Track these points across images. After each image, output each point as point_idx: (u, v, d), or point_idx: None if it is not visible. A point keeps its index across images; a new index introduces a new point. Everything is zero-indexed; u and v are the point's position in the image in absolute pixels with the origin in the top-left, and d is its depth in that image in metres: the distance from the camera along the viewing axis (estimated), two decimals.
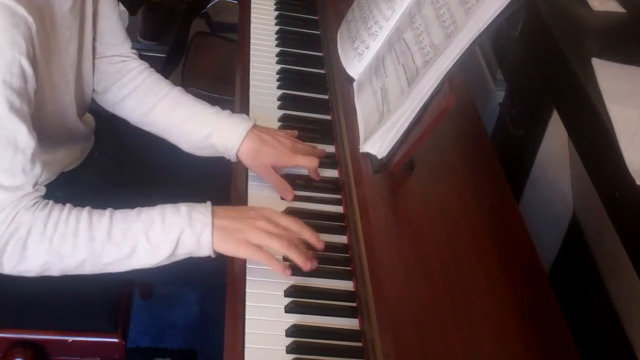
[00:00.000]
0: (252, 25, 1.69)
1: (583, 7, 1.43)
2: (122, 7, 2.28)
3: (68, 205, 1.11)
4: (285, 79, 1.54)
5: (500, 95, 1.82)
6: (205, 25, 2.71)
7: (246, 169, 1.32)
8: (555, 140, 1.52)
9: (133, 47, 1.44)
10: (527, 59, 1.58)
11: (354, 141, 1.30)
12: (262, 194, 1.29)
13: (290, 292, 1.11)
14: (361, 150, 1.27)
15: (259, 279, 1.13)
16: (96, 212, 1.11)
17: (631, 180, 1.04)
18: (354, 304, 1.11)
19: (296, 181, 1.30)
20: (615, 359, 1.22)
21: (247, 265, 1.14)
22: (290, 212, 1.24)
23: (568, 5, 1.44)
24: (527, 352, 1.03)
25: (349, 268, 1.16)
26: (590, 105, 1.17)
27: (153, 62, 1.48)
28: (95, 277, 1.17)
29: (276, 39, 1.66)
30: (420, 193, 1.25)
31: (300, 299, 1.11)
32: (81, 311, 1.37)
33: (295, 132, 1.38)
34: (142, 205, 1.14)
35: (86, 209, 1.12)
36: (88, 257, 1.09)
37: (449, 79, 1.14)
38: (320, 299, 1.11)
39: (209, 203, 1.14)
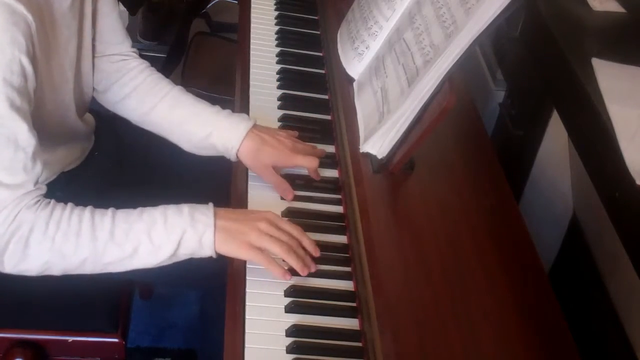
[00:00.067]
0: (252, 25, 1.69)
1: (583, 7, 1.43)
2: (122, 7, 2.28)
3: (70, 204, 1.12)
4: (285, 79, 1.54)
5: (500, 95, 1.82)
6: (205, 25, 2.71)
7: (246, 169, 1.32)
8: (555, 140, 1.52)
9: (133, 47, 1.45)
10: (527, 59, 1.58)
11: (354, 141, 1.30)
12: (262, 194, 1.29)
13: (290, 292, 1.12)
14: (361, 150, 1.27)
15: (259, 279, 1.13)
16: (98, 212, 1.12)
17: (631, 180, 1.04)
18: (354, 304, 1.11)
19: (296, 181, 1.30)
20: (615, 359, 1.22)
21: (247, 265, 1.14)
22: (290, 212, 1.24)
23: (568, 5, 1.44)
24: (527, 352, 1.03)
25: (349, 268, 1.16)
26: (590, 105, 1.17)
27: (153, 62, 1.48)
28: (96, 277, 1.17)
29: (276, 39, 1.66)
30: (420, 193, 1.25)
31: (300, 299, 1.11)
32: (81, 311, 1.37)
33: (296, 133, 1.38)
34: (143, 205, 1.14)
35: (88, 208, 1.12)
36: (90, 256, 1.09)
37: (449, 79, 1.14)
38: (320, 299, 1.11)
39: (211, 204, 1.15)
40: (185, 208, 1.13)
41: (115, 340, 1.37)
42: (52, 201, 1.11)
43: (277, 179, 1.28)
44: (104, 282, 1.34)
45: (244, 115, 1.36)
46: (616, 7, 1.43)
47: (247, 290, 1.11)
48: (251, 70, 1.55)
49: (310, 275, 1.13)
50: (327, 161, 1.35)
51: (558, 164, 1.51)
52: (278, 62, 1.59)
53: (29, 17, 1.04)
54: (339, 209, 1.27)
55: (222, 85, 2.16)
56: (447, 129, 1.30)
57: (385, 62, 1.35)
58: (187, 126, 1.35)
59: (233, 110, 1.39)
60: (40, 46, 1.10)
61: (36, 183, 1.10)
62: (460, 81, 1.42)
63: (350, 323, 1.09)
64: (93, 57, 1.36)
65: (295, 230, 1.15)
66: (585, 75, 1.22)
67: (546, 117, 1.54)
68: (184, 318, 2.01)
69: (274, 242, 1.12)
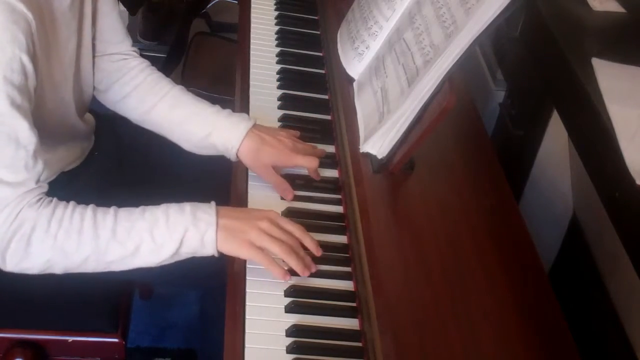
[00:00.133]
0: (252, 25, 1.69)
1: (583, 7, 1.43)
2: (122, 7, 2.28)
3: (72, 203, 1.12)
4: (285, 79, 1.54)
5: (500, 95, 1.81)
6: (205, 25, 2.71)
7: (246, 169, 1.33)
8: (555, 140, 1.52)
9: (133, 46, 1.45)
10: (527, 59, 1.58)
11: (354, 141, 1.30)
12: (262, 194, 1.29)
13: (290, 292, 1.12)
14: (361, 150, 1.27)
15: (259, 279, 1.13)
16: (100, 210, 1.12)
17: (631, 180, 1.04)
18: (354, 304, 1.11)
19: (296, 181, 1.30)
20: (615, 359, 1.22)
21: (247, 265, 1.14)
22: (290, 212, 1.24)
23: (568, 5, 1.43)
24: (527, 352, 1.03)
25: (349, 268, 1.16)
26: (590, 105, 1.17)
27: (153, 62, 1.48)
28: (96, 277, 1.17)
29: (276, 39, 1.66)
30: (420, 193, 1.25)
31: (300, 299, 1.11)
32: (81, 311, 1.37)
33: (297, 133, 1.38)
34: (143, 205, 1.14)
35: (90, 207, 1.12)
36: (92, 254, 1.10)
37: (449, 79, 1.14)
38: (320, 299, 1.11)
39: (213, 203, 1.15)
40: (188, 207, 1.13)
41: (115, 340, 1.37)
42: (54, 199, 1.11)
43: (277, 179, 1.28)
44: (104, 282, 1.35)
45: (244, 115, 1.36)
46: (616, 7, 1.43)
47: (247, 290, 1.11)
48: (251, 70, 1.55)
49: (310, 275, 1.13)
50: (327, 161, 1.35)
51: (558, 164, 1.51)
52: (278, 62, 1.59)
53: (29, 15, 1.04)
54: (339, 209, 1.27)
55: (222, 85, 2.16)
56: (447, 129, 1.30)
57: (385, 62, 1.35)
58: (187, 126, 1.35)
59: (233, 110, 1.39)
60: (41, 45, 1.10)
61: (38, 181, 1.10)
62: (460, 81, 1.42)
63: (350, 323, 1.09)
64: (93, 56, 1.36)
65: (297, 230, 1.15)
66: (585, 75, 1.22)
67: (546, 117, 1.54)
68: (184, 318, 2.01)
69: (275, 242, 1.12)
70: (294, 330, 1.06)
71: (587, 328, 1.24)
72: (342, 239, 1.22)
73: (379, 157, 1.24)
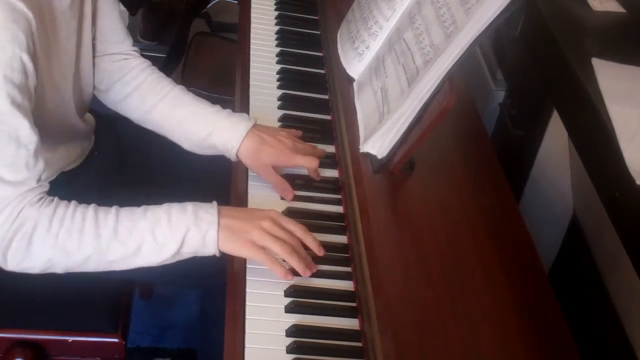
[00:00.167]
0: (252, 25, 1.69)
1: (583, 7, 1.43)
2: (121, 7, 2.28)
3: (74, 202, 1.12)
4: (285, 79, 1.54)
5: (500, 95, 1.81)
6: (205, 25, 2.71)
7: (246, 169, 1.33)
8: (555, 140, 1.52)
9: (133, 46, 1.45)
10: (527, 59, 1.58)
11: (354, 141, 1.30)
12: (262, 193, 1.29)
13: (291, 292, 1.12)
14: (361, 150, 1.27)
15: (259, 279, 1.13)
16: (102, 209, 1.12)
17: (631, 180, 1.04)
18: (354, 304, 1.11)
19: (296, 181, 1.30)
20: (615, 359, 1.22)
21: (247, 265, 1.14)
22: (290, 212, 1.24)
23: (568, 5, 1.44)
24: (527, 352, 1.03)
25: (349, 268, 1.16)
26: (590, 105, 1.17)
27: (153, 62, 1.48)
28: (96, 277, 1.17)
29: (276, 39, 1.66)
30: (420, 193, 1.25)
31: (300, 299, 1.11)
32: (81, 311, 1.37)
33: (299, 132, 1.38)
34: (143, 205, 1.14)
35: (92, 206, 1.12)
36: (93, 253, 1.10)
37: (449, 79, 1.14)
38: (320, 299, 1.11)
39: (214, 203, 1.15)
40: (189, 206, 1.13)
41: (115, 340, 1.37)
42: (56, 198, 1.11)
43: (277, 179, 1.28)
44: (104, 282, 1.35)
45: (244, 115, 1.36)
46: (616, 7, 1.43)
47: (247, 290, 1.11)
48: (251, 70, 1.55)
49: (311, 275, 1.13)
50: (327, 161, 1.35)
51: (558, 164, 1.51)
52: (278, 62, 1.59)
53: (29, 14, 1.04)
54: (339, 209, 1.27)
55: (222, 85, 2.16)
56: (447, 129, 1.30)
57: (385, 62, 1.35)
58: (187, 126, 1.36)
59: (233, 110, 1.39)
60: (41, 44, 1.10)
61: (39, 180, 1.10)
62: (460, 81, 1.42)
63: (350, 323, 1.09)
64: (93, 56, 1.36)
65: (299, 230, 1.15)
66: (585, 75, 1.22)
67: (546, 117, 1.54)
68: (184, 318, 2.01)
69: (276, 242, 1.12)
70: (294, 330, 1.06)
71: (587, 328, 1.24)
72: (342, 239, 1.22)
73: (379, 157, 1.24)
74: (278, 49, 1.63)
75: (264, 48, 1.63)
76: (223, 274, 1.16)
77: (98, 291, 1.37)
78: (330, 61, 1.54)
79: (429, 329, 1.01)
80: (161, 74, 1.43)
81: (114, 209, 1.12)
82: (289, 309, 1.09)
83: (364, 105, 1.35)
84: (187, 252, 1.13)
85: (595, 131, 1.16)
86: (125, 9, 2.44)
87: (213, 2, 2.75)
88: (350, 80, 1.44)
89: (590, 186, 1.16)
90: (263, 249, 1.12)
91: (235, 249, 1.13)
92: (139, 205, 1.14)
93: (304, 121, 1.45)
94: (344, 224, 1.24)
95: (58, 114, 1.28)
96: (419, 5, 1.32)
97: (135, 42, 1.47)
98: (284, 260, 1.13)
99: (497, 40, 1.89)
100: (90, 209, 1.11)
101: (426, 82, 1.16)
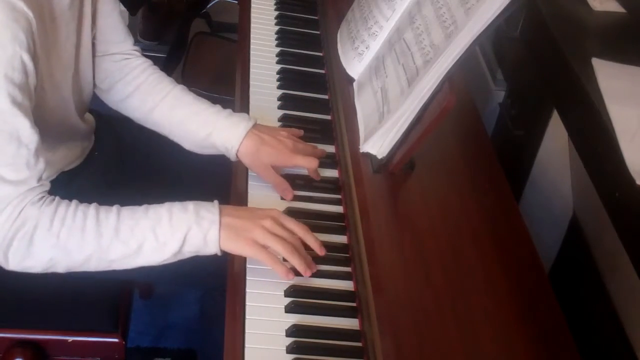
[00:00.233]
0: (252, 25, 1.69)
1: (583, 7, 1.43)
2: (122, 7, 2.28)
3: (75, 201, 1.12)
4: (285, 79, 1.54)
5: (500, 95, 1.82)
6: (205, 25, 2.71)
7: (246, 169, 1.33)
8: (555, 140, 1.52)
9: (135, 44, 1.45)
10: (527, 59, 1.58)
11: (354, 141, 1.30)
12: (262, 193, 1.29)
13: (290, 292, 1.12)
14: (361, 150, 1.27)
15: (259, 279, 1.13)
16: (103, 209, 1.12)
17: (631, 180, 1.04)
18: (354, 304, 1.11)
19: (296, 181, 1.30)
20: (615, 359, 1.22)
21: (247, 265, 1.14)
22: (290, 212, 1.24)
23: (568, 5, 1.44)
24: (527, 352, 1.03)
25: (349, 268, 1.16)
26: (590, 105, 1.17)
27: (153, 62, 1.48)
28: (96, 277, 1.17)
29: (276, 39, 1.66)
30: (421, 193, 1.25)
31: (300, 299, 1.11)
32: (81, 311, 1.37)
33: (300, 132, 1.38)
34: (143, 204, 1.14)
35: (93, 205, 1.12)
36: (95, 253, 1.09)
37: (449, 79, 1.14)
38: (320, 299, 1.11)
39: (216, 202, 1.15)
40: (191, 205, 1.13)
41: (115, 340, 1.37)
42: (57, 198, 1.11)
43: (276, 179, 1.28)
44: (104, 282, 1.35)
45: (245, 115, 1.37)
46: (616, 7, 1.43)
47: (247, 290, 1.11)
48: (251, 70, 1.55)
49: (311, 275, 1.13)
50: (327, 161, 1.35)
51: (558, 164, 1.51)
52: (278, 62, 1.59)
53: (30, 14, 1.04)
54: (339, 209, 1.27)
55: (222, 85, 2.16)
56: (447, 129, 1.30)
57: (385, 62, 1.35)
58: (187, 126, 1.36)
59: (233, 110, 1.39)
60: (41, 43, 1.10)
61: (40, 180, 1.10)
62: (460, 81, 1.42)
63: (350, 323, 1.09)
64: (93, 56, 1.36)
65: (300, 229, 1.15)
66: (585, 75, 1.22)
67: (546, 117, 1.54)
68: (184, 318, 2.01)
69: (278, 241, 1.12)
70: (294, 330, 1.06)
71: (587, 328, 1.24)
72: (342, 239, 1.22)
73: (379, 157, 1.24)
74: (278, 49, 1.63)
75: (264, 48, 1.63)
76: (223, 273, 1.16)
77: (98, 291, 1.37)
78: (330, 61, 1.54)
79: (429, 329, 1.01)
80: (162, 74, 1.43)
81: (115, 208, 1.12)
82: (289, 309, 1.09)
83: (364, 105, 1.35)
84: (189, 251, 1.13)
85: (595, 131, 1.16)
86: (125, 9, 2.44)
87: (213, 2, 2.75)
88: (350, 80, 1.44)
89: (590, 186, 1.16)
90: (264, 247, 1.12)
91: (236, 247, 1.13)
92: (139, 205, 1.14)
93: (304, 121, 1.45)
94: (344, 224, 1.24)
95: (58, 114, 1.28)
96: (419, 5, 1.32)
97: (136, 42, 1.47)
98: (284, 260, 1.13)
99: (497, 40, 1.89)
100: (92, 208, 1.11)
101: (426, 82, 1.16)
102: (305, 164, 1.30)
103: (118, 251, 1.10)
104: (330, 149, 1.38)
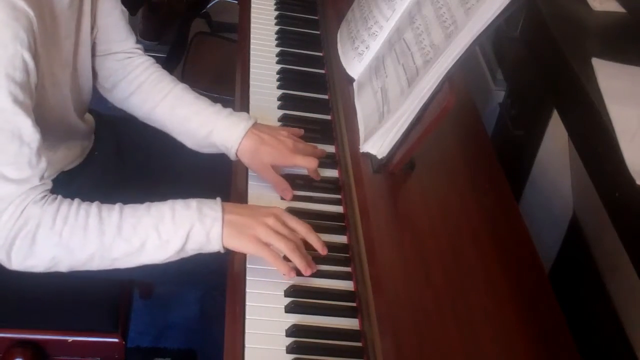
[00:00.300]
0: (252, 25, 1.69)
1: (583, 7, 1.43)
2: (122, 7, 2.28)
3: (77, 200, 1.12)
4: (285, 79, 1.54)
5: (500, 95, 1.82)
6: (205, 25, 2.71)
7: (246, 169, 1.33)
8: (555, 140, 1.52)
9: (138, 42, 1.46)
10: (527, 59, 1.58)
11: (354, 141, 1.30)
12: (262, 193, 1.29)
13: (290, 292, 1.11)
14: (361, 150, 1.27)
15: (259, 279, 1.13)
16: (105, 207, 1.12)
17: (631, 180, 1.04)
18: (354, 304, 1.11)
19: (296, 181, 1.30)
20: (615, 359, 1.22)
21: (247, 266, 1.14)
22: (290, 212, 1.23)
23: (568, 5, 1.44)
24: (527, 352, 1.03)
25: (349, 268, 1.16)
26: (590, 105, 1.17)
27: None
28: (96, 276, 1.17)
29: (276, 39, 1.66)
30: (421, 193, 1.25)
31: (300, 299, 1.11)
32: (81, 311, 1.37)
33: (300, 132, 1.38)
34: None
35: (95, 204, 1.12)
36: (97, 251, 1.09)
37: (449, 79, 1.14)
38: (320, 299, 1.11)
39: (218, 199, 1.15)
40: (194, 202, 1.13)
41: (115, 340, 1.37)
42: (59, 197, 1.11)
43: (276, 179, 1.28)
44: (104, 282, 1.35)
45: (245, 114, 1.37)
46: (616, 7, 1.43)
47: (247, 290, 1.11)
48: (251, 70, 1.55)
49: (311, 275, 1.13)
50: (327, 161, 1.35)
51: (558, 164, 1.51)
52: (278, 62, 1.59)
53: (31, 12, 1.04)
54: (339, 209, 1.27)
55: (222, 85, 2.16)
56: (447, 129, 1.30)
57: (385, 62, 1.35)
58: (188, 125, 1.36)
59: (233, 110, 1.39)
60: (41, 41, 1.10)
61: (42, 178, 1.10)
62: (460, 81, 1.42)
63: (350, 323, 1.09)
64: (93, 55, 1.36)
65: (303, 227, 1.15)
66: (585, 75, 1.22)
67: (546, 117, 1.54)
68: (184, 318, 2.01)
69: (281, 239, 1.12)
70: (294, 330, 1.06)
71: (587, 328, 1.24)
72: (342, 239, 1.22)
73: (379, 157, 1.24)
74: (278, 49, 1.63)
75: (264, 48, 1.63)
76: (225, 271, 1.16)
77: (98, 291, 1.37)
78: (330, 61, 1.54)
79: (429, 329, 1.01)
80: (164, 72, 1.44)
81: (117, 206, 1.12)
82: (289, 309, 1.09)
83: (364, 105, 1.35)
84: (192, 248, 1.13)
85: (595, 131, 1.16)
86: (125, 9, 2.44)
87: (213, 2, 2.75)
88: (350, 80, 1.44)
89: (590, 186, 1.16)
90: (267, 245, 1.12)
91: (239, 244, 1.13)
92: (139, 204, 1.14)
93: (304, 121, 1.45)
94: (344, 224, 1.24)
95: (58, 112, 1.28)
96: (419, 5, 1.32)
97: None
98: (284, 258, 1.13)
99: (497, 40, 1.89)
100: (94, 206, 1.11)
101: (426, 82, 1.16)
102: (304, 164, 1.30)
103: (121, 249, 1.10)
104: (330, 149, 1.38)
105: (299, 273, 1.12)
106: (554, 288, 1.12)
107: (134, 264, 1.12)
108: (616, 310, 1.22)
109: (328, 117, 1.47)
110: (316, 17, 1.76)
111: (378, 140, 1.24)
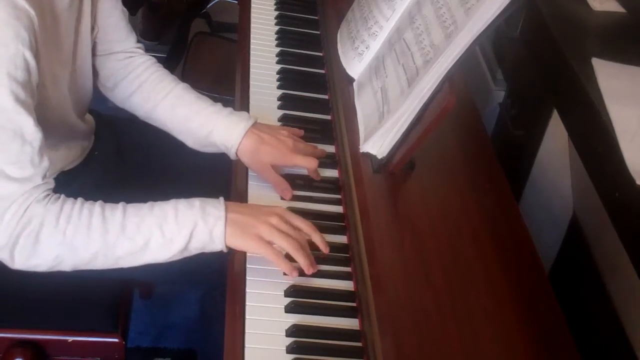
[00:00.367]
0: (252, 25, 1.69)
1: (583, 7, 1.43)
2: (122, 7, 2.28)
3: (80, 199, 1.12)
4: (285, 79, 1.54)
5: (500, 95, 1.82)
6: (205, 25, 2.71)
7: (246, 168, 1.33)
8: (555, 140, 1.52)
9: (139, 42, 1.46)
10: (527, 59, 1.58)
11: (354, 141, 1.30)
12: (262, 193, 1.29)
13: (290, 292, 1.12)
14: (361, 150, 1.27)
15: (259, 279, 1.13)
16: (108, 206, 1.12)
17: (631, 180, 1.04)
18: (354, 304, 1.11)
19: (296, 181, 1.30)
20: (615, 359, 1.22)
21: (247, 266, 1.14)
22: (290, 211, 1.24)
23: (568, 5, 1.44)
24: (527, 352, 1.03)
25: (349, 268, 1.16)
26: (590, 105, 1.17)
27: None
28: (96, 276, 1.17)
29: (276, 39, 1.66)
30: (421, 193, 1.25)
31: (300, 299, 1.11)
32: (81, 311, 1.37)
33: (301, 132, 1.38)
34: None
35: (98, 203, 1.12)
36: (101, 249, 1.09)
37: (449, 79, 1.14)
38: (320, 299, 1.12)
39: (221, 198, 1.15)
40: (197, 202, 1.13)
41: (115, 340, 1.37)
42: (62, 196, 1.11)
43: (276, 178, 1.28)
44: (104, 282, 1.35)
45: (245, 114, 1.37)
46: (616, 7, 1.43)
47: (247, 290, 1.11)
48: (251, 70, 1.55)
49: (311, 275, 1.13)
50: (327, 161, 1.35)
51: (558, 164, 1.51)
52: (278, 62, 1.59)
53: (32, 11, 1.04)
54: (339, 209, 1.27)
55: (222, 85, 2.16)
56: (447, 129, 1.30)
57: (385, 62, 1.35)
58: (188, 124, 1.36)
59: (234, 110, 1.39)
60: (42, 40, 1.10)
61: (44, 177, 1.10)
62: (460, 81, 1.42)
63: (350, 323, 1.09)
64: (95, 55, 1.37)
65: (307, 226, 1.15)
66: (585, 75, 1.22)
67: (546, 117, 1.54)
68: (184, 318, 2.01)
69: (284, 238, 1.12)
70: (294, 330, 1.06)
71: (587, 328, 1.24)
72: (342, 239, 1.22)
73: (379, 157, 1.24)
74: (278, 49, 1.63)
75: (264, 48, 1.63)
76: (225, 271, 1.16)
77: (98, 291, 1.37)
78: (330, 61, 1.54)
79: (429, 329, 1.01)
80: (165, 72, 1.44)
81: (120, 205, 1.12)
82: (289, 309, 1.09)
83: (364, 105, 1.35)
84: (195, 247, 1.13)
85: (595, 131, 1.16)
86: (125, 9, 2.44)
87: (213, 2, 2.75)
88: (350, 80, 1.44)
89: (590, 186, 1.16)
90: (270, 244, 1.12)
91: (242, 243, 1.13)
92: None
93: (304, 121, 1.45)
94: (344, 224, 1.24)
95: (58, 112, 1.28)
96: (419, 5, 1.32)
97: None
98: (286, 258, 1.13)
99: (497, 40, 1.89)
100: (97, 205, 1.11)
101: (426, 82, 1.16)
102: (304, 164, 1.30)
103: (124, 248, 1.10)
104: (330, 149, 1.39)
105: (300, 272, 1.12)
106: (554, 288, 1.12)
107: (137, 263, 1.12)
108: (616, 310, 1.22)
109: (328, 117, 1.47)
110: (316, 17, 1.76)
111: (378, 140, 1.24)
